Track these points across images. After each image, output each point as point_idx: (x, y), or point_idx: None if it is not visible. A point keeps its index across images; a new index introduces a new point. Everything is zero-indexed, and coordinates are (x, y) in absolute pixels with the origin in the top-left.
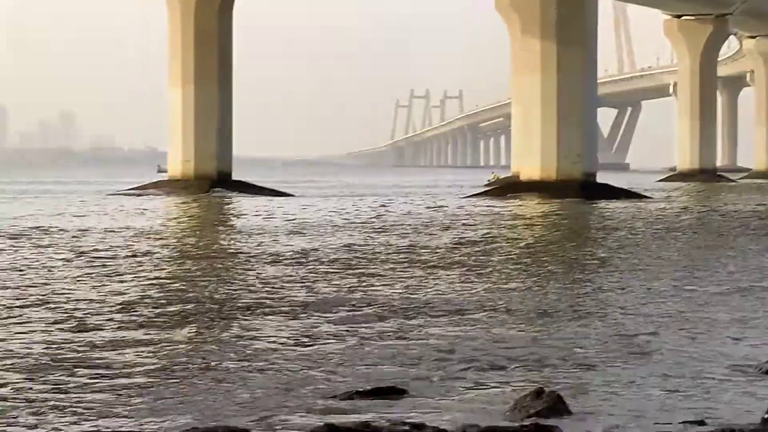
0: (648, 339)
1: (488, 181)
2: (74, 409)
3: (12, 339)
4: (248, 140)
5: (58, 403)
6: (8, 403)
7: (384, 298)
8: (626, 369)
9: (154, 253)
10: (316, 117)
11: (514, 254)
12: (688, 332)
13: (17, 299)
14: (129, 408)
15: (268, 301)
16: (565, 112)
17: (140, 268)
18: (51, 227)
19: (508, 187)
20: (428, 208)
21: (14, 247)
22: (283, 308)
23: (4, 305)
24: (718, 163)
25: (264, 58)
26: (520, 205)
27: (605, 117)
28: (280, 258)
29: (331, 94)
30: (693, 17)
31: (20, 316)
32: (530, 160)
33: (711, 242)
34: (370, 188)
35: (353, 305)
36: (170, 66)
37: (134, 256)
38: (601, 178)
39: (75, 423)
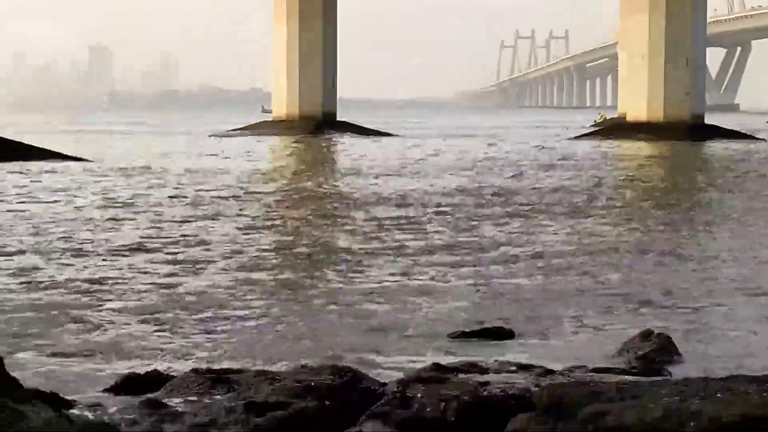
0: (760, 283)
1: (595, 121)
2: (183, 349)
3: (122, 280)
4: (353, 81)
5: (166, 344)
6: (120, 343)
7: (489, 241)
8: (737, 312)
9: (261, 193)
10: (420, 59)
11: (621, 196)
12: None
13: (126, 239)
14: (236, 350)
15: (374, 243)
16: (674, 52)
17: (246, 210)
18: (156, 168)
19: (614, 128)
20: (535, 148)
21: (122, 186)
22: (388, 251)
23: (114, 245)
24: None
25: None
26: (627, 147)
27: (714, 57)
28: (385, 199)
29: (434, 35)
30: None
31: (128, 256)
32: (637, 100)
33: None
34: (476, 129)
35: (459, 248)
36: (275, 3)
37: (240, 197)
38: (710, 119)
39: (180, 364)
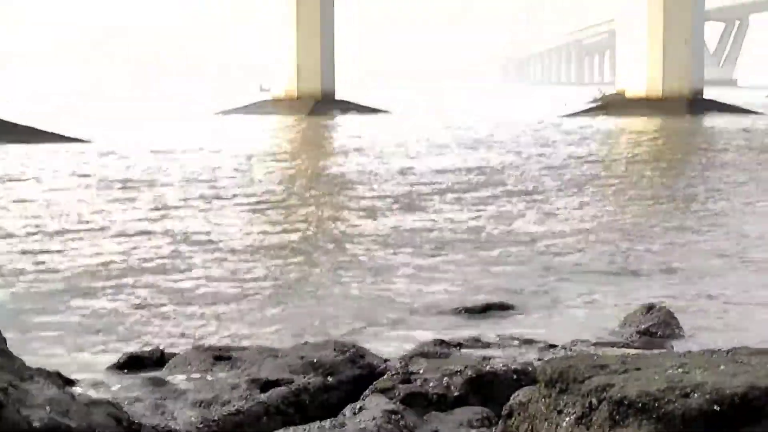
0: (762, 256)
1: (594, 98)
2: (185, 328)
3: (123, 260)
4: (355, 57)
5: (168, 323)
6: (123, 322)
7: (490, 219)
8: (739, 285)
9: (262, 173)
10: (421, 36)
11: (621, 172)
12: None
13: (128, 220)
14: (239, 327)
15: (375, 222)
16: (672, 27)
17: (248, 190)
18: (158, 147)
19: (612, 104)
20: (533, 124)
21: (123, 167)
22: (389, 229)
23: (116, 226)
24: None
25: None
26: (625, 122)
27: (712, 32)
28: (385, 178)
29: (434, 12)
30: None
31: (130, 236)
32: (635, 76)
33: None
34: (474, 105)
35: (459, 226)
36: None
37: (241, 177)
38: (708, 93)
39: (183, 342)
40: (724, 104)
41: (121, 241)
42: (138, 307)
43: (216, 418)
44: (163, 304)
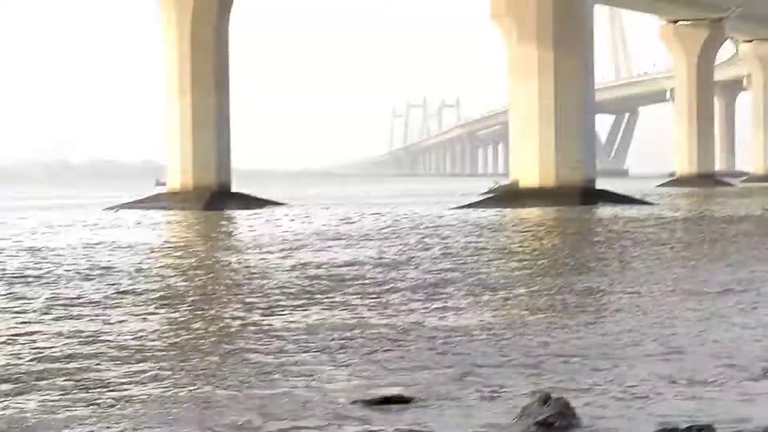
0: (652, 345)
1: (490, 188)
2: (86, 426)
3: (17, 359)
4: (248, 152)
5: (71, 422)
6: (31, 419)
7: (384, 312)
8: (633, 373)
9: (153, 268)
10: (313, 128)
11: (514, 263)
12: (702, 333)
13: (19, 317)
14: (134, 426)
15: (274, 316)
16: (563, 119)
17: (141, 284)
18: (47, 244)
19: (507, 195)
20: (427, 217)
21: (13, 264)
22: (287, 323)
23: (22, 324)
24: (717, 168)
25: (260, 68)
26: (518, 213)
27: (603, 123)
28: (283, 272)
29: (327, 104)
30: (689, 22)
31: (37, 335)
32: (529, 167)
33: (708, 250)
34: (369, 198)
35: (355, 319)
36: (167, 77)
37: (132, 271)
38: (601, 183)
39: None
40: (616, 194)
41: (15, 340)
42: (40, 407)
43: None
44: (68, 407)
